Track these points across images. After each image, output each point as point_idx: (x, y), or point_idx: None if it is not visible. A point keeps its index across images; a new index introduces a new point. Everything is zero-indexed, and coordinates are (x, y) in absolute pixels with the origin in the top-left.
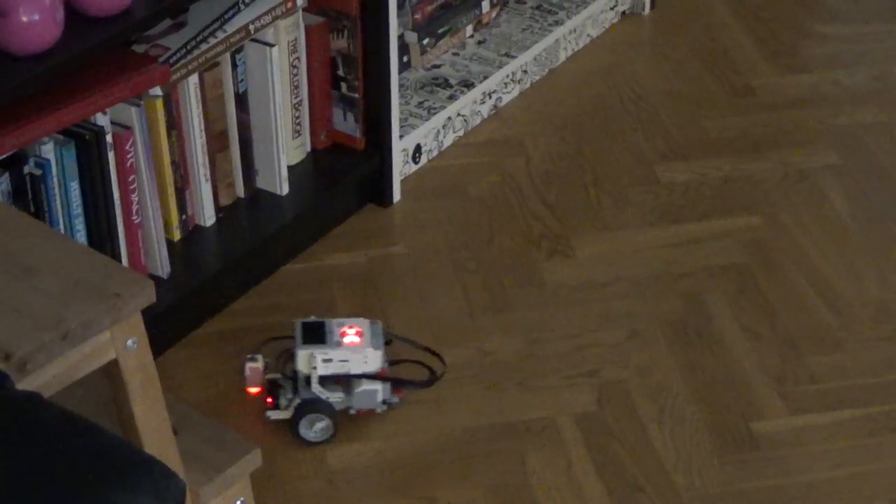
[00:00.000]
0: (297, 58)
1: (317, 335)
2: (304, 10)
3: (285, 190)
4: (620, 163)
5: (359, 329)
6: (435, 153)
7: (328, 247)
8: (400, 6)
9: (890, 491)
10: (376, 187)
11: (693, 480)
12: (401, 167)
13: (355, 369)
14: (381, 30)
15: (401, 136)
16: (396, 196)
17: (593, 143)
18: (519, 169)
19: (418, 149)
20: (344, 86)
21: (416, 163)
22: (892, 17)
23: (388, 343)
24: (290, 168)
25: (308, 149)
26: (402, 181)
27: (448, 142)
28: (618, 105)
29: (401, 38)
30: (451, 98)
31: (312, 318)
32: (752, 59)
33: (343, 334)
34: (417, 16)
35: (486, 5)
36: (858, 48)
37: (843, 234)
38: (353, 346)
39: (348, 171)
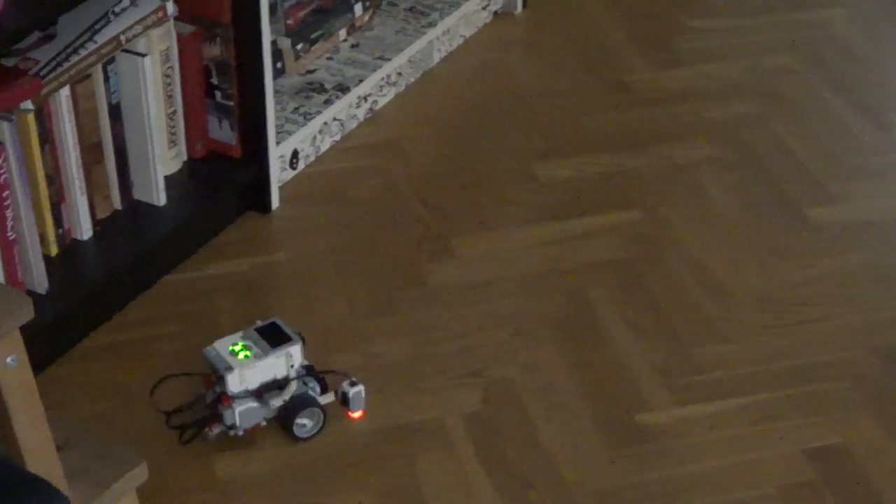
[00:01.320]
0: (171, 67)
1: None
2: (176, 18)
3: (163, 200)
4: (500, 162)
5: (242, 346)
6: (312, 158)
7: (209, 256)
8: (272, 12)
9: (776, 478)
10: (255, 194)
11: (583, 476)
12: (279, 174)
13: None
14: (254, 37)
15: (277, 143)
16: (276, 203)
17: (472, 143)
18: (398, 171)
19: (295, 154)
20: (219, 94)
21: (293, 169)
22: (763, 10)
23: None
24: (167, 178)
25: (184, 158)
26: (281, 188)
27: (325, 147)
28: (495, 104)
29: (274, 44)
30: (327, 103)
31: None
32: (627, 55)
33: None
34: (290, 21)
35: (358, 9)
36: (731, 41)
37: (722, 226)
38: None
39: (226, 180)
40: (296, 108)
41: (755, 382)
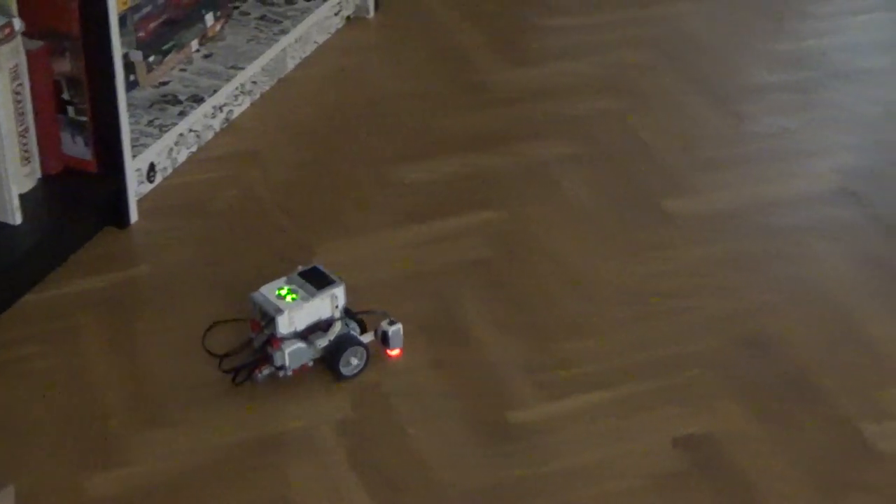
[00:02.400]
0: (20, 84)
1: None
2: (24, 34)
3: (18, 219)
4: (360, 167)
5: (288, 290)
6: (170, 171)
7: (69, 274)
8: (122, 24)
9: (646, 468)
10: (113, 210)
11: (455, 476)
12: (136, 187)
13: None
14: (104, 50)
15: (133, 156)
16: (134, 217)
17: (330, 149)
18: (257, 181)
19: (152, 168)
20: (71, 109)
21: (151, 182)
22: (615, 7)
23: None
24: (21, 197)
25: (39, 175)
26: (139, 201)
27: (182, 158)
28: (351, 110)
29: (125, 57)
30: (182, 114)
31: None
32: (481, 55)
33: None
34: (141, 34)
35: (209, 19)
36: (585, 39)
37: (582, 222)
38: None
39: (83, 196)
40: (150, 121)
41: (621, 375)
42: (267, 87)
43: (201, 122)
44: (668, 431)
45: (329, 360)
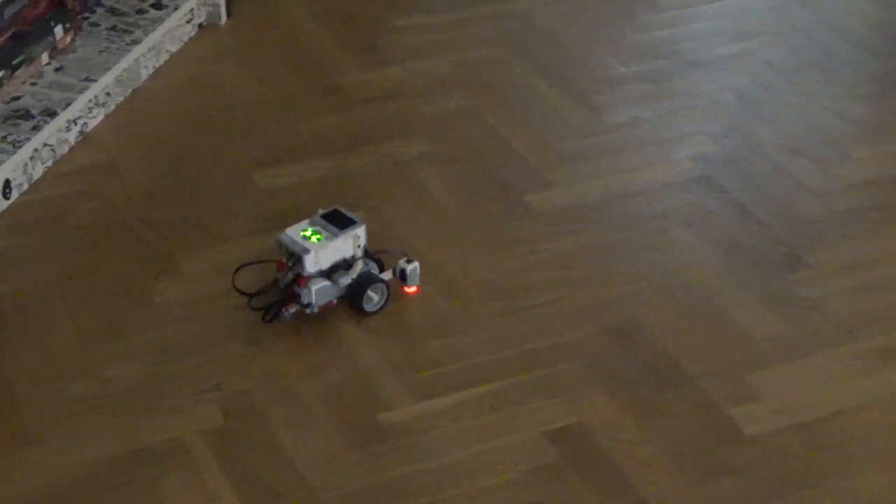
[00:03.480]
0: None
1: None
2: None
3: None
4: (219, 175)
5: (312, 231)
6: (26, 187)
7: None
8: None
9: (518, 462)
10: None
11: (329, 480)
12: None
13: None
14: None
15: None
16: None
17: (189, 158)
18: (115, 192)
19: (8, 184)
20: None
21: (7, 199)
22: (468, 4)
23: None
24: None
25: None
26: None
27: (38, 174)
28: (208, 118)
29: None
30: (35, 129)
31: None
32: (336, 57)
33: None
34: None
35: (59, 31)
36: (438, 37)
37: (445, 220)
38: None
39: None
40: (3, 137)
41: (491, 371)
42: (121, 99)
43: (56, 136)
44: (539, 424)
45: (352, 298)
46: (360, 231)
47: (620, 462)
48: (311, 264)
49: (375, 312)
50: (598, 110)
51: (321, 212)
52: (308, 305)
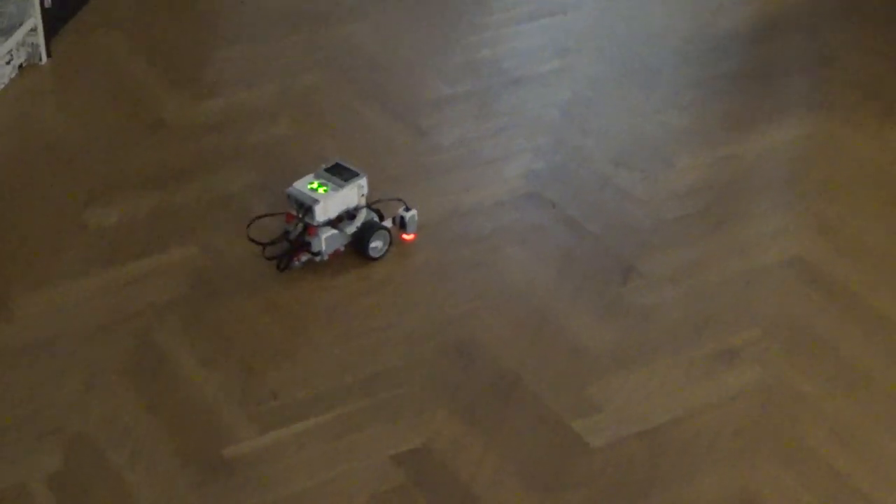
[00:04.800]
0: None
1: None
2: None
3: None
4: (46, 215)
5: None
6: None
7: None
8: None
9: (366, 487)
10: None
11: None
12: None
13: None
14: None
15: None
16: None
17: (14, 200)
18: None
19: None
20: None
21: None
22: (289, 32)
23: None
24: None
25: None
26: None
27: None
28: (33, 157)
29: None
30: None
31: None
32: (159, 92)
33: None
34: None
35: None
36: (261, 67)
37: None
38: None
39: None
40: None
41: (333, 397)
42: None
43: None
44: (384, 448)
45: (357, 244)
46: (363, 181)
47: (467, 481)
48: (321, 214)
49: (381, 258)
50: (426, 132)
51: (324, 166)
52: (318, 253)
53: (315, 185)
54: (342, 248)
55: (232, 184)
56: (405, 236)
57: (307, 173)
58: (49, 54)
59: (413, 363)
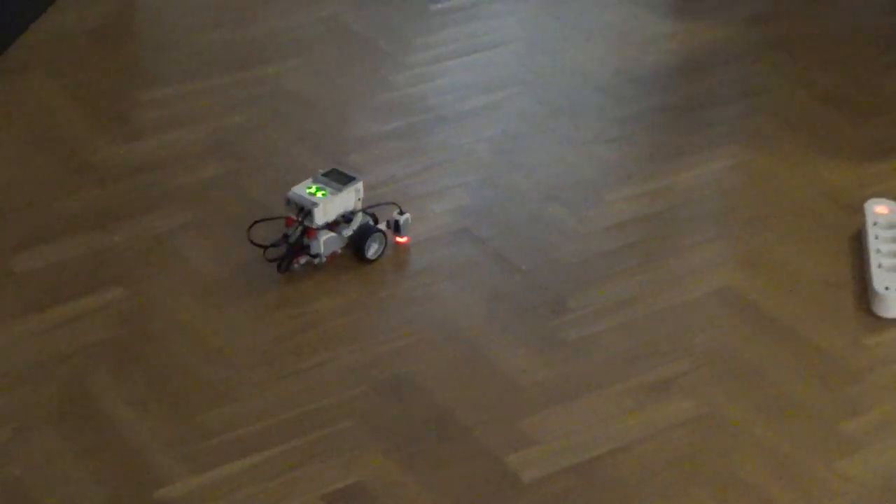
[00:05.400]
0: None
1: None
2: None
3: None
4: None
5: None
6: None
7: None
8: None
9: None
10: None
11: None
12: None
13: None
14: None
15: None
16: None
17: None
18: None
19: None
20: None
21: None
22: (216, 73)
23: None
24: None
25: None
26: None
27: None
28: None
29: None
30: None
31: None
32: (86, 135)
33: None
34: None
35: None
36: (191, 107)
37: (209, 288)
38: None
39: None
40: None
41: (267, 437)
42: None
43: None
44: (318, 487)
45: (355, 247)
46: (360, 186)
47: None
48: (320, 217)
49: (376, 259)
50: (355, 170)
51: (321, 171)
52: (317, 255)
53: (314, 190)
54: (339, 251)
55: (162, 225)
56: (399, 239)
57: (238, 214)
58: None
59: (346, 400)
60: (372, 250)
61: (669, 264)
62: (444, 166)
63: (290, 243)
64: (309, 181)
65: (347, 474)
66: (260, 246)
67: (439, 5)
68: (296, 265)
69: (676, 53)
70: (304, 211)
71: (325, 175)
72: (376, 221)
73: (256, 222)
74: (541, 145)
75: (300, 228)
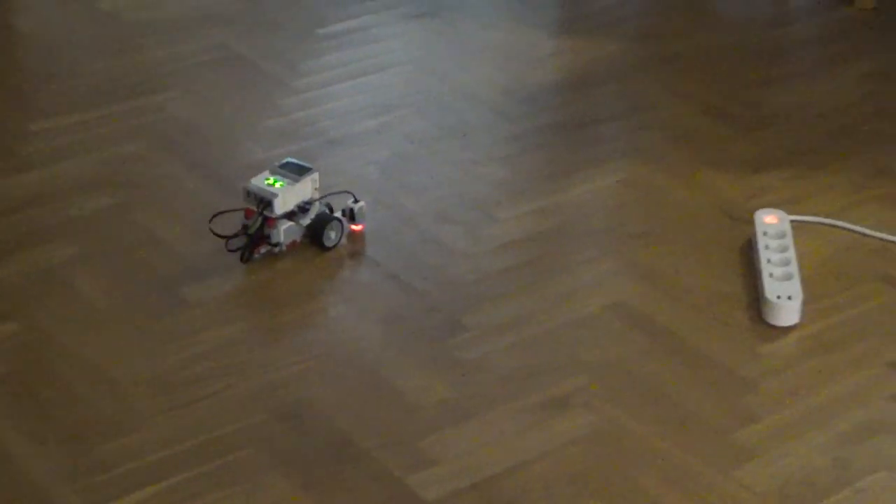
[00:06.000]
0: None
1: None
2: None
3: None
4: None
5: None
6: None
7: None
8: None
9: None
10: None
11: None
12: None
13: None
14: None
15: None
16: None
17: None
18: None
19: None
20: None
21: None
22: (104, 102)
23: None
24: None
25: None
26: None
27: None
28: None
29: None
30: None
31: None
32: None
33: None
34: None
35: None
36: (78, 137)
37: (103, 320)
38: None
39: None
40: None
41: (165, 467)
42: None
43: None
44: None
45: (313, 235)
46: (316, 176)
47: None
48: (280, 207)
49: (334, 247)
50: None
51: (277, 164)
52: (277, 244)
53: (272, 181)
54: (299, 240)
55: (54, 257)
56: (354, 227)
57: (130, 244)
58: None
59: (245, 428)
60: (330, 239)
61: (563, 280)
62: (335, 189)
63: (251, 234)
64: (266, 173)
65: (249, 502)
66: (221, 237)
67: (326, 29)
68: (256, 255)
69: (564, 71)
70: (265, 201)
71: (281, 167)
72: (332, 210)
73: (216, 215)
74: (431, 166)
75: (260, 219)
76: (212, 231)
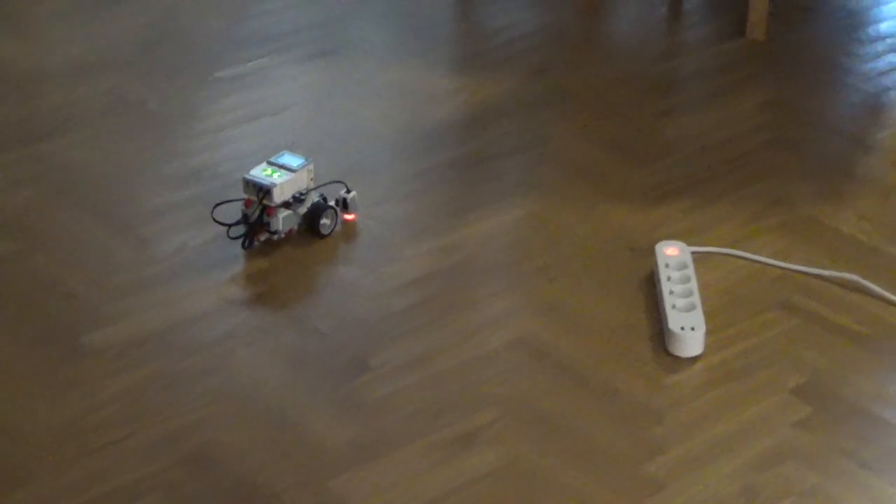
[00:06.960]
0: None
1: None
2: None
3: None
4: None
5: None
6: None
7: None
8: None
9: None
10: None
11: None
12: None
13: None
14: None
15: None
16: None
17: None
18: None
19: None
20: None
21: None
22: (1, 150)
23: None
24: None
25: None
26: None
27: None
28: None
29: None
30: None
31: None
32: None
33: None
34: None
35: None
36: None
37: (2, 370)
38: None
39: None
40: None
41: None
42: None
43: None
44: None
45: (309, 223)
46: (311, 167)
47: None
48: (279, 195)
49: (329, 234)
50: (147, 241)
51: (272, 158)
52: (276, 232)
53: (269, 172)
54: (296, 228)
55: None
56: (346, 216)
57: (29, 292)
58: None
59: (150, 475)
60: (325, 226)
61: (467, 317)
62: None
63: (251, 222)
64: (264, 164)
65: None
66: (223, 224)
67: (222, 73)
68: (257, 242)
69: (463, 107)
70: (264, 190)
71: (276, 159)
72: (326, 200)
73: (218, 204)
74: None
75: (260, 207)
76: (214, 219)
